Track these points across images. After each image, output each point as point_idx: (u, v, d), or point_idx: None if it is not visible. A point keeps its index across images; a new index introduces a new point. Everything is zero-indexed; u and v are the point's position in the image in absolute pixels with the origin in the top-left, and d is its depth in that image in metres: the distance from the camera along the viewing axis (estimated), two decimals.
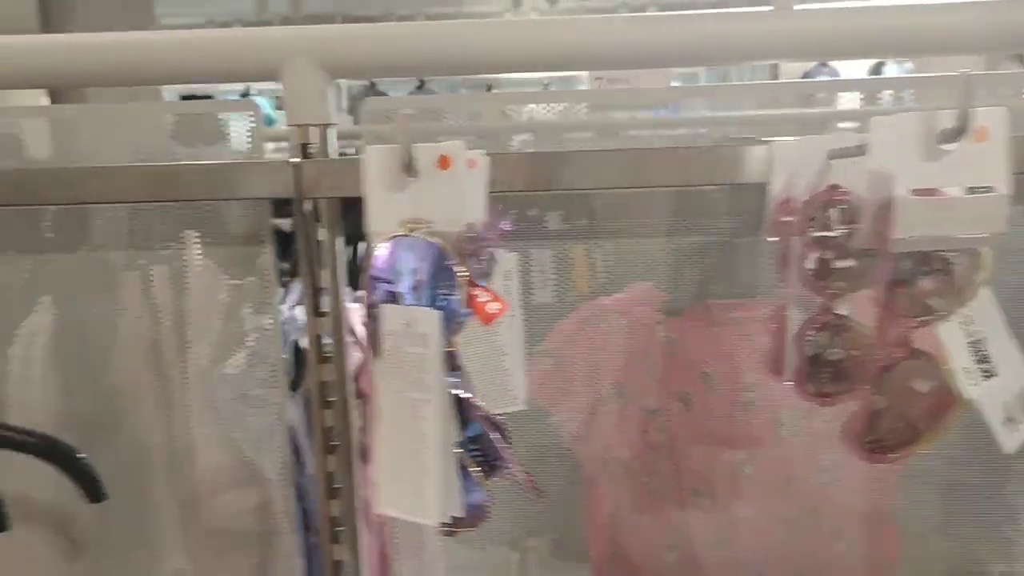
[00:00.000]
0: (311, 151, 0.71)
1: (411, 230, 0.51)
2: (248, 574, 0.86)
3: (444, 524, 0.51)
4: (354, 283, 1.19)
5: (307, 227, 0.72)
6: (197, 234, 0.82)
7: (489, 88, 5.52)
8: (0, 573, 0.87)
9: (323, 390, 0.76)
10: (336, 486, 0.77)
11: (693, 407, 0.94)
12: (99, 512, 0.86)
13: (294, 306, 0.90)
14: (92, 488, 0.69)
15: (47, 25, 3.99)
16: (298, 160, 0.69)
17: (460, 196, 0.51)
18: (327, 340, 0.75)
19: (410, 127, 0.52)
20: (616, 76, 2.69)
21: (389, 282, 0.52)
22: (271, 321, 0.81)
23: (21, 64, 0.74)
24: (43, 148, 0.84)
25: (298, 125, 0.71)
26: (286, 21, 5.21)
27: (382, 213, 0.53)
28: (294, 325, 0.87)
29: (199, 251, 0.82)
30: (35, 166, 0.85)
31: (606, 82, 2.58)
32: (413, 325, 0.50)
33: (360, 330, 0.77)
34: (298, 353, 0.87)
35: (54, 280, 0.86)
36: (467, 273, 0.50)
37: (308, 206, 0.71)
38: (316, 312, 0.75)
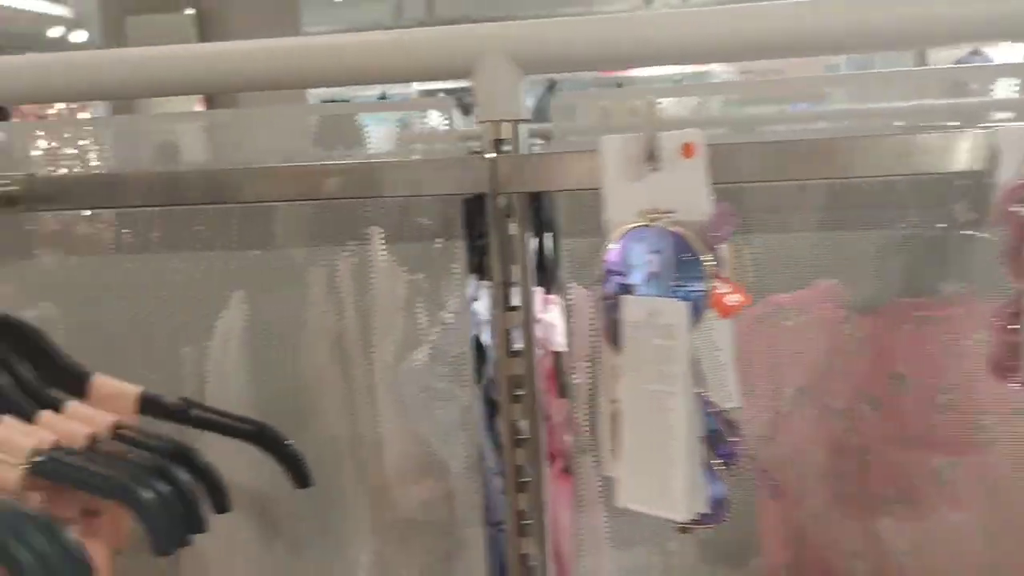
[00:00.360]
0: (503, 147, 0.72)
1: (653, 220, 0.51)
2: (433, 565, 0.88)
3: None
4: (540, 279, 1.20)
5: (499, 222, 0.72)
6: (386, 231, 0.84)
7: (619, 85, 5.48)
8: (196, 554, 0.92)
9: (511, 384, 0.77)
10: (524, 480, 0.77)
11: (883, 409, 0.89)
12: (290, 500, 0.91)
13: (473, 301, 0.91)
14: (299, 473, 0.72)
15: (204, 39, 4.20)
16: (493, 155, 0.70)
17: (702, 185, 0.50)
18: (517, 334, 0.75)
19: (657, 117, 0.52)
20: (764, 68, 2.61)
21: (620, 274, 0.52)
22: (459, 316, 0.82)
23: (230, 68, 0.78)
24: (257, 147, 0.88)
25: (491, 121, 0.72)
26: (421, 25, 5.33)
27: (620, 203, 0.53)
28: (474, 319, 0.89)
29: (389, 247, 0.84)
30: (226, 166, 0.90)
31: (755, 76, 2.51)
32: (657, 316, 0.49)
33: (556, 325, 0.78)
34: (479, 348, 0.88)
35: (250, 277, 0.91)
36: (714, 263, 0.49)
37: (502, 201, 0.72)
38: (506, 307, 0.75)
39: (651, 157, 0.51)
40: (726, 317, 0.50)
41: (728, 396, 0.54)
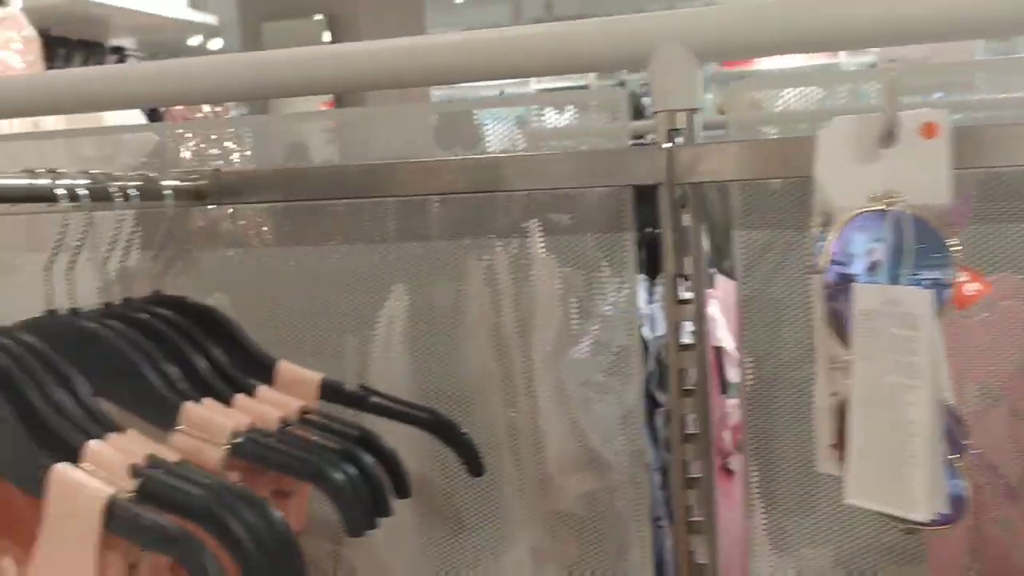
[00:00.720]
0: (678, 137, 0.71)
1: (889, 203, 0.49)
2: (589, 559, 0.88)
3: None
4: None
5: (674, 213, 0.71)
6: (548, 223, 0.84)
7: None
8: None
9: (681, 379, 0.75)
10: (693, 476, 0.76)
11: None
12: (453, 488, 0.92)
13: (636, 293, 0.90)
14: (473, 462, 0.73)
15: (335, 42, 4.34)
16: (670, 145, 0.69)
17: (943, 167, 0.48)
18: (688, 328, 0.74)
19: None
20: (906, 56, 2.49)
21: (841, 264, 0.50)
22: (621, 309, 0.82)
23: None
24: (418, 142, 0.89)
25: (666, 111, 0.71)
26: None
27: (846, 187, 0.51)
28: (637, 313, 0.88)
29: (550, 240, 0.84)
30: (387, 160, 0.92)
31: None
32: (895, 305, 0.47)
33: (716, 319, 0.76)
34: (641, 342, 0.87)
35: (415, 270, 0.92)
36: (959, 248, 0.47)
37: (677, 192, 0.71)
38: (677, 300, 0.74)
39: (887, 137, 0.49)
40: (963, 308, 0.48)
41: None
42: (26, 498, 0.69)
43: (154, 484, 0.52)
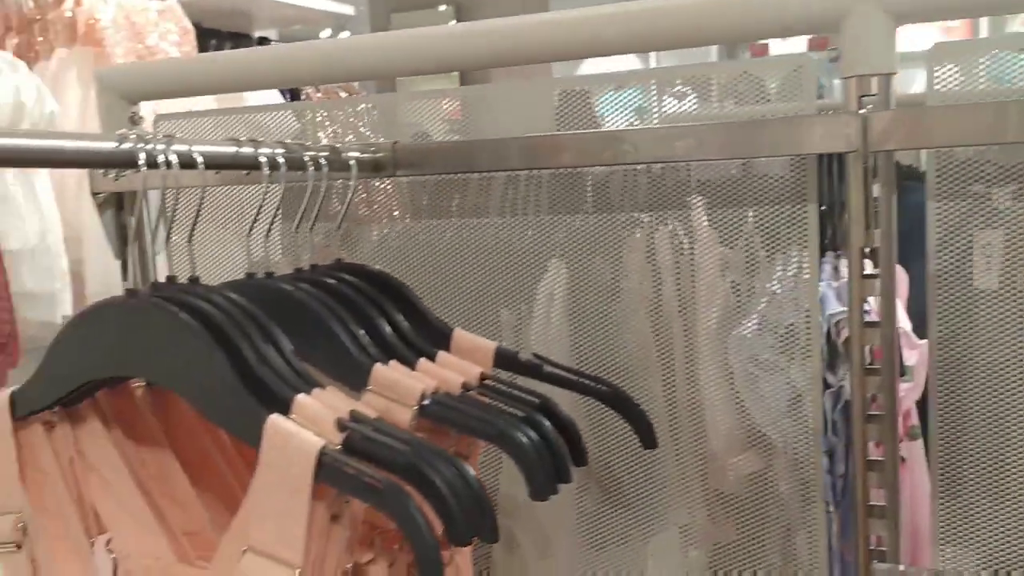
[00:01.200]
0: (870, 103, 0.68)
1: None
2: (761, 540, 0.86)
3: None
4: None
5: (865, 183, 0.68)
6: (719, 195, 0.82)
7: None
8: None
9: (863, 357, 0.73)
10: (875, 459, 0.73)
11: None
12: (610, 462, 0.92)
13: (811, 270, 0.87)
14: (648, 434, 0.72)
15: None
16: (864, 111, 0.66)
17: None
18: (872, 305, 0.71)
19: None
20: None
21: None
22: (793, 286, 0.79)
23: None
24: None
25: (858, 76, 0.68)
26: None
27: None
28: (811, 290, 0.85)
29: (720, 212, 0.82)
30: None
31: None
32: None
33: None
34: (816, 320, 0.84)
35: (587, 242, 0.91)
36: None
37: (870, 160, 0.68)
38: (862, 274, 0.71)
39: None
40: None
41: None
42: (235, 449, 0.73)
43: (359, 438, 0.54)
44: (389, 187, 0.99)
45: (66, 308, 2.15)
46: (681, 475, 0.91)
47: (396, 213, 1.00)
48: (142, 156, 0.57)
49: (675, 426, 0.89)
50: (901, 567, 0.71)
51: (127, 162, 0.57)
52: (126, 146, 0.57)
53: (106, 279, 2.24)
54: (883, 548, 0.74)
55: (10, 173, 2.02)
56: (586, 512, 0.95)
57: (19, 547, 0.61)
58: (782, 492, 0.85)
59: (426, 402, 0.63)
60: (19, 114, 1.88)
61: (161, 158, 0.58)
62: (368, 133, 1.00)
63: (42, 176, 2.12)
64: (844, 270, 0.99)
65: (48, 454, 0.62)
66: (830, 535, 0.89)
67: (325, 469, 0.52)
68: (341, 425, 0.55)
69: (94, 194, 0.95)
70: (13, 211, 2.01)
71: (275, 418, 0.54)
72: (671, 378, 0.90)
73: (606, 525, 0.94)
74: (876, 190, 0.69)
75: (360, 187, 0.96)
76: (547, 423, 0.64)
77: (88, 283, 2.32)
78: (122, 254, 0.97)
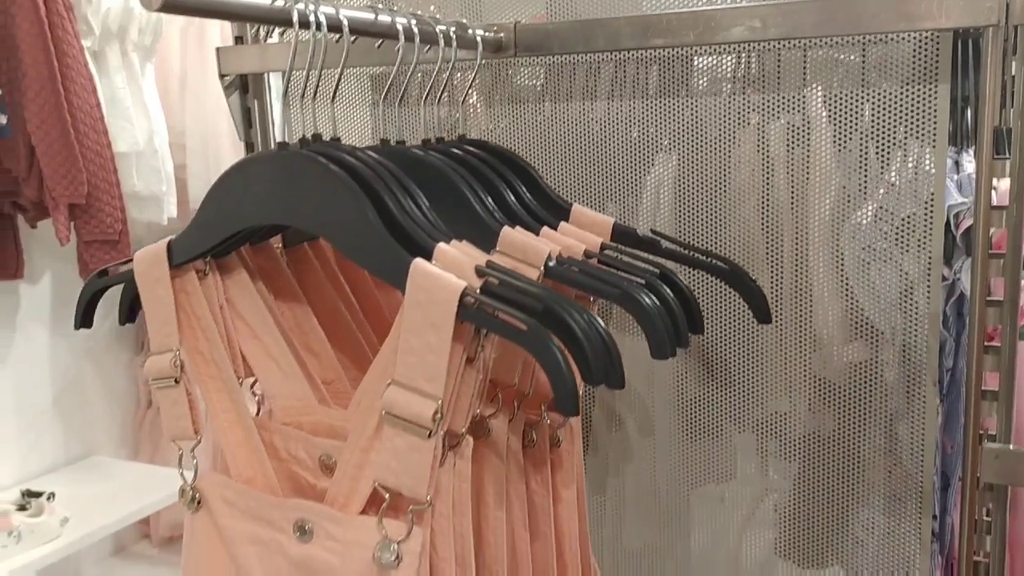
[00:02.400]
0: None
1: None
2: (863, 429, 0.87)
3: None
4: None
5: (1004, 60, 0.67)
6: (838, 75, 0.81)
7: None
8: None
9: (987, 243, 0.72)
10: (992, 344, 0.73)
11: None
12: (714, 342, 0.94)
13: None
14: (762, 308, 0.74)
15: None
16: None
17: None
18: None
19: None
20: None
21: None
22: (931, 173, 0.78)
23: None
24: None
25: None
26: None
27: None
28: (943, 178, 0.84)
29: (838, 93, 0.81)
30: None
31: None
32: None
33: None
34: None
35: (712, 125, 0.92)
36: None
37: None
38: (993, 156, 0.70)
39: None
40: None
41: None
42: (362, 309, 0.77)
43: (497, 282, 0.57)
44: (508, 68, 1.00)
45: (172, 210, 2.25)
46: (785, 361, 0.92)
47: (513, 95, 1.01)
48: (295, 13, 0.60)
49: (782, 313, 0.90)
50: (1011, 446, 0.72)
51: (281, 20, 0.60)
52: (280, 3, 0.59)
53: (208, 182, 2.31)
54: (992, 432, 0.74)
55: (120, 76, 2.10)
56: (688, 396, 0.97)
57: (177, 382, 0.67)
58: (888, 382, 0.85)
59: (551, 263, 0.65)
60: None
61: (312, 18, 0.61)
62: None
63: (149, 80, 2.19)
64: (965, 163, 0.97)
65: (201, 300, 0.67)
66: (934, 427, 0.90)
67: (466, 309, 0.55)
68: (479, 271, 0.58)
69: (221, 76, 0.99)
70: (122, 114, 2.09)
71: (419, 261, 0.57)
72: (780, 266, 0.90)
73: (706, 411, 0.96)
74: (1013, 67, 0.67)
75: (492, 65, 0.97)
76: (667, 289, 0.66)
77: (190, 188, 2.42)
78: (247, 136, 1.01)
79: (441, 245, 0.58)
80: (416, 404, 0.56)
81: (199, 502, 0.67)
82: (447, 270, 0.57)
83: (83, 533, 2.02)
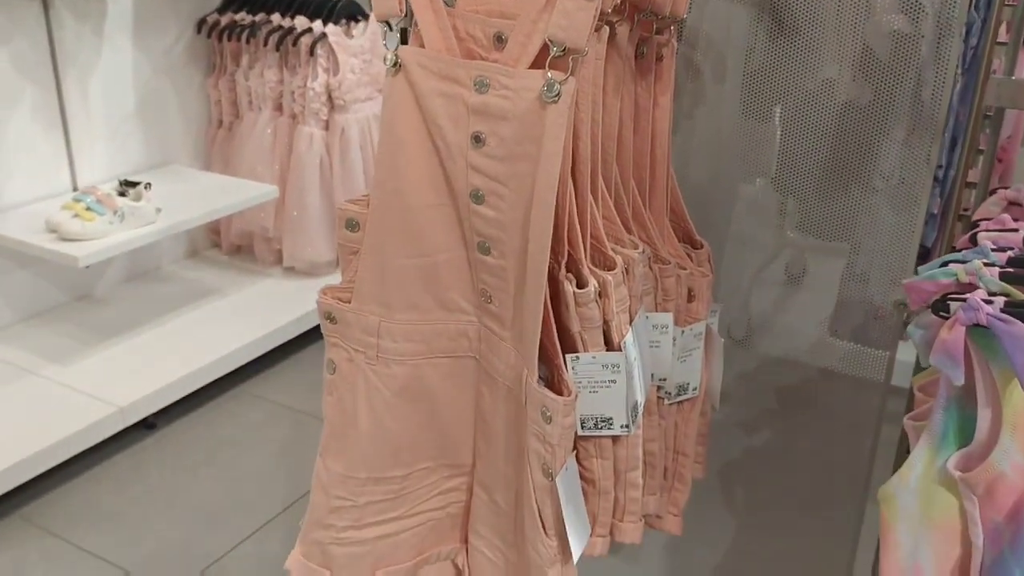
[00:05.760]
0: None
1: None
2: (889, 97, 1.08)
3: None
4: None
5: None
6: None
7: None
8: None
9: None
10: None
11: None
12: None
13: None
14: None
15: None
16: None
17: None
18: None
19: None
20: None
21: None
22: None
23: None
24: None
25: None
26: None
27: None
28: None
29: None
30: None
31: None
32: None
33: None
34: None
35: None
36: None
37: None
38: None
39: None
40: None
41: None
42: None
43: None
44: None
45: None
46: (840, 27, 1.12)
47: None
48: None
49: None
50: (1012, 77, 0.93)
51: None
52: None
53: None
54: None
55: None
56: (757, 51, 1.17)
57: None
58: (923, 53, 1.05)
59: None
60: None
61: None
62: None
63: None
64: None
65: None
66: (952, 95, 1.11)
67: None
68: None
69: None
70: None
71: None
72: None
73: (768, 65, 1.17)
74: None
75: None
76: None
77: None
78: None
79: None
80: None
81: (399, 66, 0.89)
82: None
83: (175, 220, 2.30)
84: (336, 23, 2.62)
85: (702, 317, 0.99)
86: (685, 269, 0.98)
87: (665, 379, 0.96)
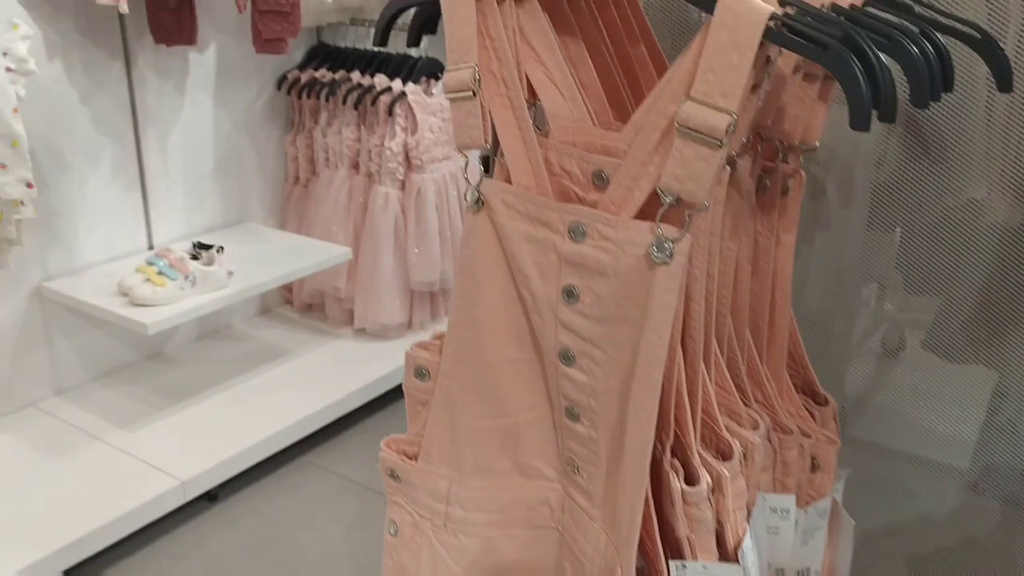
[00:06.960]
0: None
1: None
2: None
3: None
4: None
5: None
6: None
7: None
8: None
9: None
10: None
11: None
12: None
13: None
14: (1005, 78, 0.78)
15: None
16: None
17: None
18: None
19: None
20: None
21: None
22: None
23: None
24: None
25: None
26: None
27: None
28: None
29: None
30: None
31: None
32: None
33: None
34: None
35: None
36: None
37: None
38: None
39: None
40: None
41: None
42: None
43: (799, 12, 0.63)
44: None
45: None
46: (992, 138, 0.97)
47: None
48: None
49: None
50: None
51: None
52: None
53: None
54: None
55: None
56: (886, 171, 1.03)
57: (474, 94, 0.75)
58: None
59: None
60: None
61: None
62: None
63: None
64: None
65: (498, 22, 0.75)
66: None
67: (770, 32, 0.62)
68: (782, 1, 0.64)
69: None
70: None
71: None
72: None
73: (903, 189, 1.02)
74: None
75: None
76: (926, 43, 0.71)
77: None
78: None
79: None
80: (712, 118, 0.64)
81: (481, 203, 0.78)
82: None
83: (246, 285, 2.24)
84: (416, 82, 2.55)
85: (827, 491, 0.84)
86: (809, 437, 0.84)
87: (783, 569, 0.82)
